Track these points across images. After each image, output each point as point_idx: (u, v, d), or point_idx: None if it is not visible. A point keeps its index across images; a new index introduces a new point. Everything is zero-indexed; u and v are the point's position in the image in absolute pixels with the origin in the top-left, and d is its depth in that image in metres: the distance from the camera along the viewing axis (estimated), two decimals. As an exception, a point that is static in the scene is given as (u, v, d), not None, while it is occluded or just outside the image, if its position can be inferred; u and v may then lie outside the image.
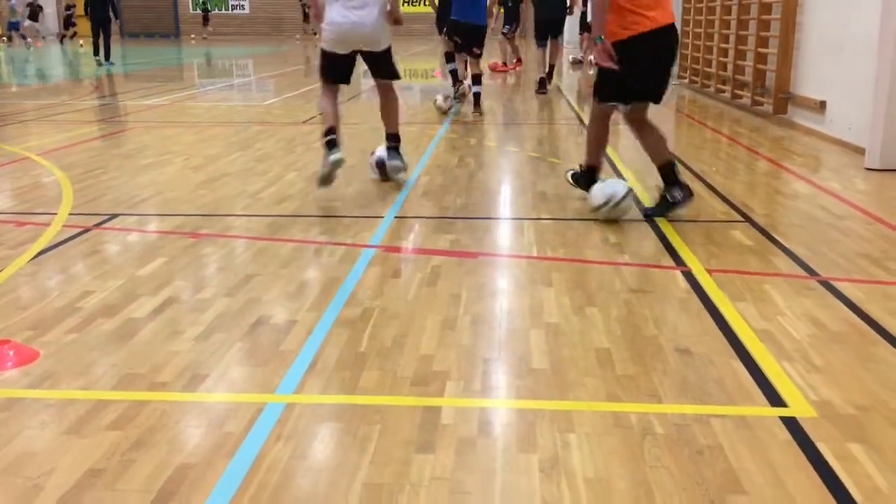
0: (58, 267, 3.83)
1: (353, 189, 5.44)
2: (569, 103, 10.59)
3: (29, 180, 5.77)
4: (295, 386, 2.60)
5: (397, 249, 4.08)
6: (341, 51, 5.25)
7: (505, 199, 5.43)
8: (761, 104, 8.93)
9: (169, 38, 33.99)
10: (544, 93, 11.12)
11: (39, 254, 3.97)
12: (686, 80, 12.36)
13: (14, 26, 27.29)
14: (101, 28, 16.51)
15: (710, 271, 3.68)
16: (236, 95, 12.37)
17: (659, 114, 9.78)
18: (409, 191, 5.37)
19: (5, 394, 2.54)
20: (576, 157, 6.65)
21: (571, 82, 13.76)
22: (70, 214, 4.71)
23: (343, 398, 2.52)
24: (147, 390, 2.56)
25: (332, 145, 5.13)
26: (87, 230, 4.40)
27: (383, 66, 5.45)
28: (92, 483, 2.05)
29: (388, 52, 5.39)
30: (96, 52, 16.73)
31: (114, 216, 4.71)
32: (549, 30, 11.27)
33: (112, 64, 16.72)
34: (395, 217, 4.71)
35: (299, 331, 3.03)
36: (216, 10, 36.15)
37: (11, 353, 2.76)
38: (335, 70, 5.34)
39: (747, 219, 4.64)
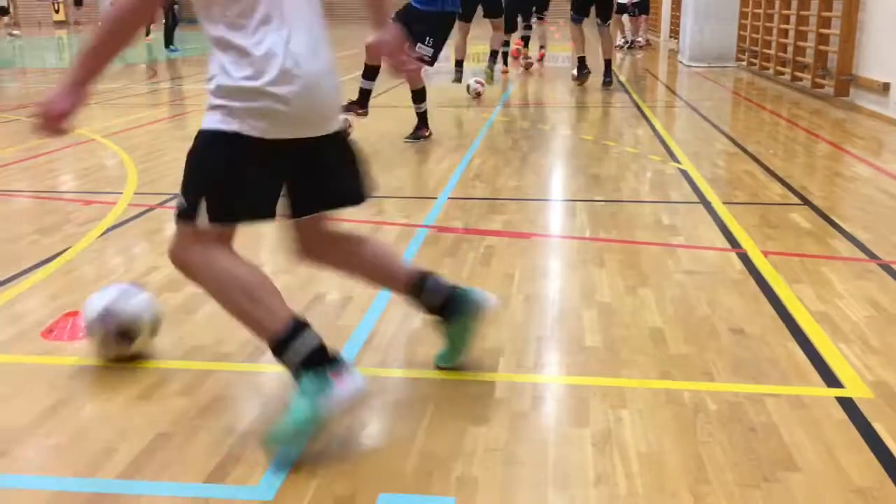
0: (124, 244, 3.96)
1: (407, 170, 5.50)
2: (623, 86, 10.48)
3: (94, 161, 5.96)
4: (352, 360, 2.67)
5: (451, 230, 4.13)
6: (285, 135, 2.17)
7: (557, 181, 5.44)
8: (822, 86, 8.73)
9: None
10: (585, 78, 9.95)
11: (106, 231, 4.12)
12: (744, 62, 12.13)
13: None
14: (167, 16, 16.63)
15: (766, 253, 3.65)
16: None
17: (716, 95, 9.69)
18: (462, 172, 5.41)
19: (78, 362, 2.66)
20: (629, 140, 6.61)
21: (623, 64, 13.61)
22: (135, 194, 4.86)
23: (398, 371, 2.59)
24: (212, 360, 2.66)
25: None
26: (151, 209, 4.54)
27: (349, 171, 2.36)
28: (162, 446, 2.15)
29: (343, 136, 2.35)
30: (167, 43, 16.75)
31: (177, 196, 4.83)
32: (591, 3, 9.57)
33: (175, 50, 16.88)
34: (449, 198, 4.76)
35: (355, 308, 3.09)
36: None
37: (83, 324, 2.88)
38: (255, 192, 2.28)
39: (806, 201, 4.58)
